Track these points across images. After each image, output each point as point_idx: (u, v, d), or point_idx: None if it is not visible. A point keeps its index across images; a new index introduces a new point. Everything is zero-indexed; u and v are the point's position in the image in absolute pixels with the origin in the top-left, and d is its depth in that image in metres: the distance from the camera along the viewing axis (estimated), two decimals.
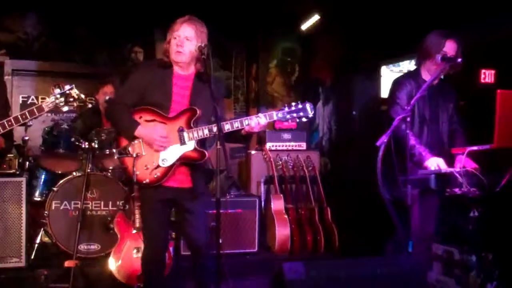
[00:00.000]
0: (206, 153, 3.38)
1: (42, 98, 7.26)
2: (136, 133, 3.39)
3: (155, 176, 3.38)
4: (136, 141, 3.41)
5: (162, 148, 3.38)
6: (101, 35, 7.40)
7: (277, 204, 5.61)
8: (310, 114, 3.46)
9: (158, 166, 3.39)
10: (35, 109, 3.34)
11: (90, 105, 5.58)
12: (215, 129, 3.34)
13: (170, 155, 3.40)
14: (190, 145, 3.40)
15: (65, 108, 3.42)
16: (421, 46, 4.01)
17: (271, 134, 6.31)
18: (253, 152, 6.32)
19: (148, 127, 3.40)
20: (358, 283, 3.19)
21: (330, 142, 7.77)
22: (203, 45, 3.35)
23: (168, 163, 3.39)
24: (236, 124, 3.41)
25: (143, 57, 7.64)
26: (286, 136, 6.36)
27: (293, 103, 3.48)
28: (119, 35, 7.47)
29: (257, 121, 3.41)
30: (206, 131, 3.35)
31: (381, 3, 6.28)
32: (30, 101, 7.26)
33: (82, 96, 3.49)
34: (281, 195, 5.70)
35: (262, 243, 5.40)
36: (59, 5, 6.99)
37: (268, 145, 6.23)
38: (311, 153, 6.30)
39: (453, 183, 3.38)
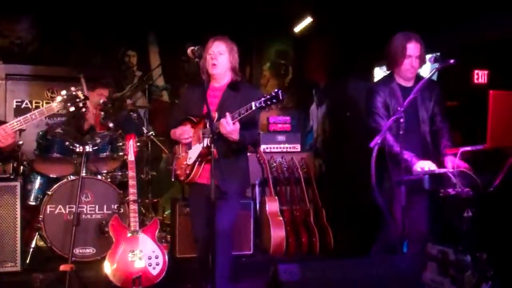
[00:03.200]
0: (211, 150, 3.47)
1: (36, 103, 7.25)
2: (176, 135, 4.00)
3: (187, 172, 3.86)
4: (176, 146, 4.01)
5: (186, 140, 3.88)
6: (95, 39, 7.38)
7: (272, 206, 5.62)
8: (281, 99, 3.52)
9: (187, 164, 3.86)
10: (44, 109, 3.39)
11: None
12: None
13: (193, 154, 3.83)
14: (204, 143, 3.74)
15: (72, 109, 3.50)
16: (387, 52, 4.04)
17: (265, 136, 6.32)
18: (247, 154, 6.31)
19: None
20: (353, 285, 3.20)
21: (324, 144, 7.77)
22: (196, 48, 3.66)
23: (191, 161, 3.83)
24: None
25: (136, 60, 7.64)
26: (280, 138, 6.37)
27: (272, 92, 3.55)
28: (112, 39, 7.45)
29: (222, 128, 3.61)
30: (213, 130, 3.53)
31: (373, 5, 6.30)
32: (24, 105, 7.23)
33: (88, 96, 3.53)
34: (276, 197, 5.71)
35: (257, 245, 5.41)
36: (52, 9, 6.97)
37: (263, 147, 6.25)
38: (306, 155, 6.33)
39: (447, 183, 3.41)
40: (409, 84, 4.02)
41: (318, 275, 3.20)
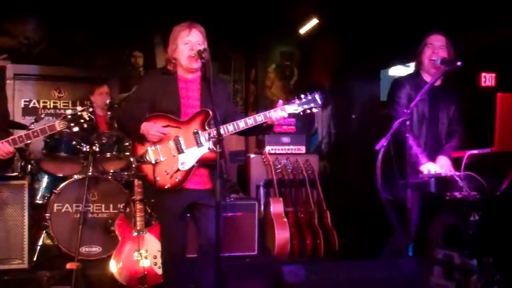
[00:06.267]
0: (222, 152, 3.29)
1: (43, 102, 7.30)
2: (141, 130, 3.41)
3: (176, 180, 3.43)
4: (153, 148, 3.44)
5: (155, 139, 3.40)
6: (101, 39, 7.42)
7: (277, 208, 5.63)
8: (320, 103, 3.54)
9: (178, 170, 3.44)
10: (47, 128, 3.35)
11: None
12: (230, 128, 3.46)
13: (189, 158, 3.45)
14: (206, 147, 3.45)
15: (76, 129, 3.44)
16: (417, 48, 4.08)
17: (270, 137, 6.32)
18: (252, 155, 6.34)
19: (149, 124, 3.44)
20: (358, 287, 3.20)
21: (329, 146, 7.80)
22: (202, 49, 3.42)
23: (187, 166, 3.44)
24: (260, 118, 3.50)
25: (142, 61, 7.67)
26: (285, 139, 6.37)
27: (302, 95, 3.57)
28: (118, 40, 7.49)
29: (281, 115, 3.48)
30: (221, 131, 3.33)
31: (380, 6, 6.31)
32: (31, 105, 7.29)
33: (93, 117, 3.50)
34: (281, 199, 5.72)
35: (261, 246, 5.41)
36: (59, 10, 7.01)
37: (267, 148, 6.25)
38: (310, 157, 6.32)
39: (454, 186, 3.40)
40: (436, 82, 4.01)
41: (322, 277, 3.20)
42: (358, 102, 7.44)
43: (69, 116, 3.40)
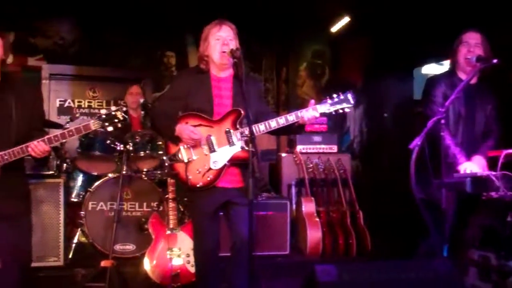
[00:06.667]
0: (254, 151, 3.28)
1: (78, 102, 7.43)
2: (176, 132, 3.46)
3: (208, 178, 3.46)
4: (185, 146, 3.48)
5: (191, 142, 3.43)
6: (134, 39, 7.51)
7: (308, 207, 5.61)
8: (352, 103, 3.52)
9: (210, 168, 3.47)
10: (82, 127, 3.37)
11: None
12: (261, 127, 3.46)
13: (221, 157, 3.48)
14: (238, 146, 3.47)
15: (110, 128, 3.47)
16: (453, 46, 4.03)
17: (301, 137, 6.29)
18: (283, 154, 6.34)
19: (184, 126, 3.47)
20: (391, 287, 3.17)
21: (362, 145, 7.74)
22: (234, 48, 3.44)
23: (219, 165, 3.47)
24: (292, 118, 3.48)
25: (175, 61, 7.74)
26: (317, 138, 6.34)
27: (335, 95, 3.55)
28: (151, 40, 7.57)
29: (312, 114, 3.46)
30: (253, 130, 3.31)
31: (413, 4, 6.24)
32: (66, 104, 7.42)
33: (127, 117, 3.53)
34: (312, 198, 5.69)
35: (293, 246, 5.40)
36: (93, 11, 7.12)
37: (299, 147, 6.23)
38: (342, 156, 6.27)
39: (490, 186, 3.34)
40: (472, 80, 3.95)
41: (355, 277, 3.18)
42: (390, 100, 7.38)
43: (104, 116, 3.42)
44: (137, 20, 7.26)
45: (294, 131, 3.73)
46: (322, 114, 3.54)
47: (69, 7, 7.12)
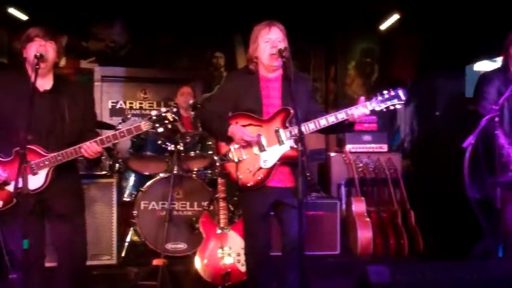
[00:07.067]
0: (304, 150, 3.28)
1: (129, 103, 7.57)
2: (229, 132, 3.49)
3: (259, 177, 3.47)
4: (236, 146, 3.50)
5: (243, 143, 3.45)
6: (184, 41, 7.62)
7: (359, 207, 5.55)
8: (404, 100, 3.46)
9: (260, 168, 3.48)
10: (133, 129, 3.42)
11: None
12: (311, 125, 3.44)
13: (271, 156, 3.48)
14: (287, 144, 3.46)
15: (160, 129, 3.52)
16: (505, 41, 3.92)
17: (351, 136, 6.24)
18: (332, 154, 6.30)
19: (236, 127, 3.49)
20: None
21: (412, 144, 7.62)
22: (283, 47, 3.43)
23: (269, 164, 3.47)
24: (341, 115, 3.45)
25: (223, 61, 7.80)
26: (367, 138, 6.27)
27: (385, 91, 3.50)
28: (200, 41, 7.65)
29: (362, 111, 3.43)
30: (302, 129, 3.32)
31: (464, 0, 6.11)
32: (118, 106, 7.58)
33: (177, 118, 3.57)
34: (363, 198, 5.63)
35: (343, 246, 5.36)
36: (143, 13, 7.25)
37: (348, 147, 6.18)
38: (393, 155, 6.18)
39: None
40: None
41: (408, 278, 3.14)
42: (442, 98, 7.22)
43: (154, 117, 3.46)
44: (186, 22, 7.35)
45: (343, 129, 3.69)
46: (373, 112, 3.49)
47: (120, 11, 7.26)
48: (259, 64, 3.60)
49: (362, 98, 3.50)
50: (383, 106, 3.47)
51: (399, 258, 5.33)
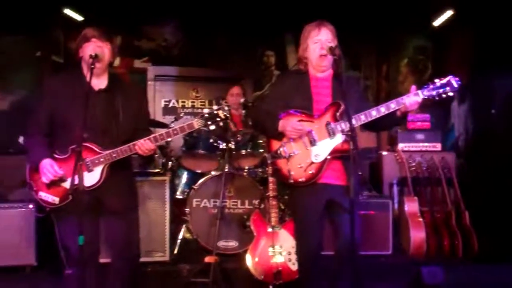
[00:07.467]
0: (355, 143, 3.20)
1: (182, 102, 7.67)
2: (280, 127, 3.49)
3: (310, 172, 3.44)
4: (286, 143, 3.49)
5: (293, 135, 3.45)
6: (235, 40, 7.66)
7: (411, 207, 5.47)
8: (456, 87, 3.39)
9: (312, 162, 3.45)
10: (185, 126, 3.46)
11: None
12: (362, 117, 3.41)
13: (322, 150, 3.45)
14: (339, 138, 3.43)
15: (212, 127, 3.53)
16: None
17: (403, 134, 6.18)
18: (384, 153, 6.24)
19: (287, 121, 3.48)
20: None
21: (467, 143, 7.44)
22: (334, 45, 3.44)
23: (321, 158, 3.44)
24: (393, 105, 3.42)
25: (274, 60, 7.82)
26: (420, 136, 6.20)
27: (437, 79, 3.44)
28: (251, 40, 7.69)
29: (414, 99, 3.38)
30: (353, 121, 3.30)
31: None
32: (171, 104, 7.69)
33: (228, 116, 3.58)
34: (416, 198, 5.55)
35: (396, 246, 5.29)
36: (194, 13, 7.33)
37: (400, 146, 6.11)
38: (447, 154, 6.08)
39: None
40: None
41: (462, 279, 3.09)
42: (498, 96, 7.03)
43: (206, 115, 3.48)
44: (238, 21, 7.39)
45: (395, 122, 3.59)
46: (425, 100, 3.42)
47: (172, 11, 7.36)
48: (309, 64, 3.62)
49: (414, 87, 3.44)
50: (434, 94, 3.40)
51: (453, 260, 5.23)
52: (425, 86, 3.43)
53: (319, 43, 3.50)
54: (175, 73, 7.67)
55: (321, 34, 3.50)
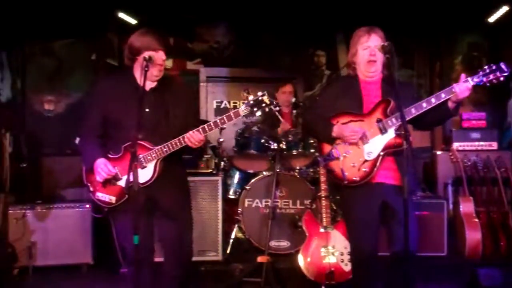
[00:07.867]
0: (407, 138, 3.15)
1: (233, 103, 7.73)
2: (334, 133, 3.48)
3: (364, 170, 3.41)
4: (338, 144, 3.48)
5: (354, 139, 3.42)
6: (285, 40, 7.67)
7: (467, 207, 5.37)
8: (506, 71, 3.29)
9: (365, 160, 3.41)
10: (232, 114, 3.48)
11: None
12: (413, 110, 3.35)
13: (374, 146, 3.41)
14: (391, 133, 3.40)
15: (258, 113, 3.52)
16: None
17: (458, 133, 6.10)
18: (438, 152, 6.16)
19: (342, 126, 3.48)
20: None
21: None
22: (386, 43, 3.39)
23: (373, 155, 3.40)
24: (443, 95, 3.35)
25: (325, 60, 7.79)
26: (475, 135, 6.09)
27: (486, 66, 3.34)
28: (302, 39, 7.68)
29: (465, 87, 3.31)
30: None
31: None
32: (223, 105, 7.77)
33: (274, 101, 3.58)
34: (471, 198, 5.44)
35: (451, 247, 5.21)
36: (245, 15, 7.37)
37: (455, 145, 6.01)
38: (503, 153, 5.96)
39: None
40: None
41: None
42: None
43: (252, 102, 3.49)
44: (288, 21, 7.39)
45: (447, 114, 3.48)
46: (475, 87, 3.33)
47: (223, 12, 7.43)
48: (358, 69, 3.62)
49: (463, 75, 3.37)
50: (485, 79, 3.32)
51: (510, 261, 5.11)
52: (476, 74, 3.36)
53: (368, 49, 3.50)
54: (226, 74, 7.74)
55: (370, 40, 3.49)
